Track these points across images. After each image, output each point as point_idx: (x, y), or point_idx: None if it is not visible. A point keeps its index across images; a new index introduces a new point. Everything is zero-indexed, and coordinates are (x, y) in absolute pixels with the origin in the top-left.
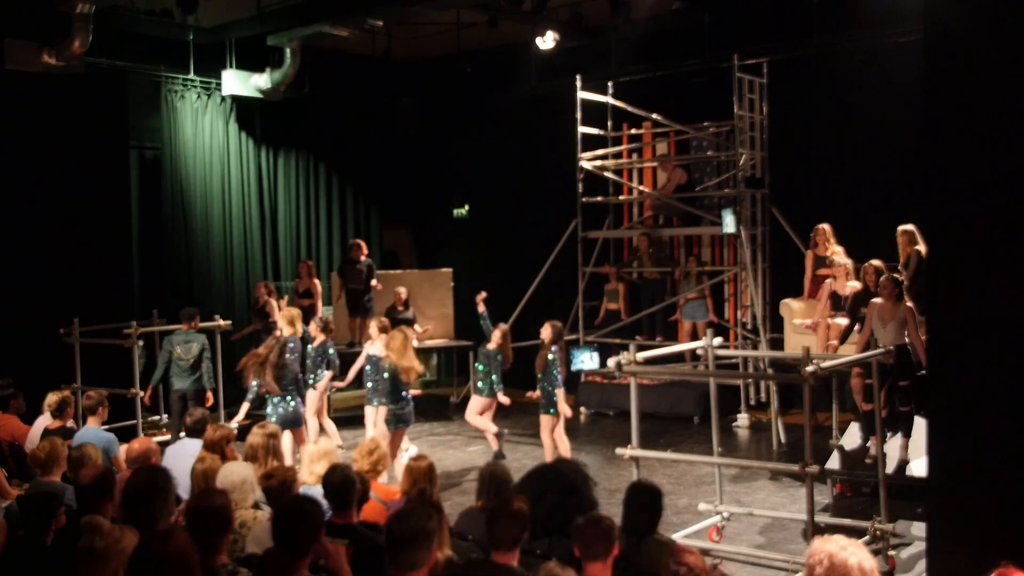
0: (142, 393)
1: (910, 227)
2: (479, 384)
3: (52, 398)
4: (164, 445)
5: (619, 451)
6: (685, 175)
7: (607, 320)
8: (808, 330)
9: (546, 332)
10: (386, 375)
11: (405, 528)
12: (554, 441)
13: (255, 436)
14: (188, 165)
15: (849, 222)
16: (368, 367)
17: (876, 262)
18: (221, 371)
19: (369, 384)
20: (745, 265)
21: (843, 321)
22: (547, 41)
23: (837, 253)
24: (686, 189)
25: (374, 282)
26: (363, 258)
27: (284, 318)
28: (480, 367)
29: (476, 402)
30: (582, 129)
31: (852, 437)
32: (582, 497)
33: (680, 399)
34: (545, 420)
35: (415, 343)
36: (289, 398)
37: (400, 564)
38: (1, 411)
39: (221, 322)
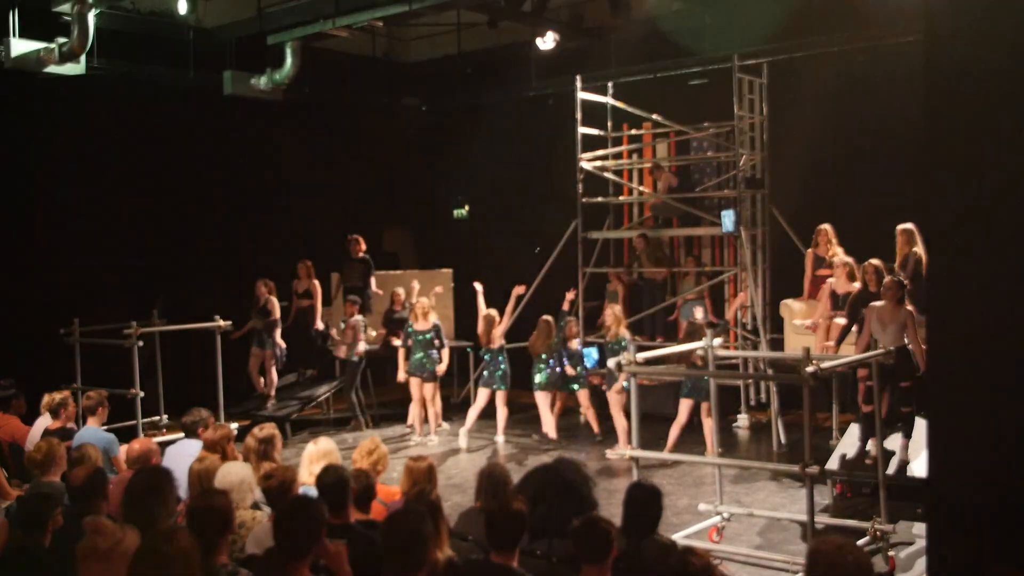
0: (141, 393)
1: (910, 226)
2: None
3: (52, 398)
4: (164, 445)
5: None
6: (675, 179)
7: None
8: (808, 330)
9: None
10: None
11: (399, 532)
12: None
13: (249, 439)
14: (188, 165)
15: (849, 222)
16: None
17: (876, 261)
18: (221, 371)
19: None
20: (745, 265)
21: (843, 322)
22: (547, 41)
23: (837, 254)
24: (679, 191)
25: (373, 282)
26: (360, 254)
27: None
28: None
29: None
30: (582, 129)
31: (852, 437)
32: (582, 497)
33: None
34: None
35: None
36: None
37: (397, 567)
38: (2, 411)
39: (221, 322)
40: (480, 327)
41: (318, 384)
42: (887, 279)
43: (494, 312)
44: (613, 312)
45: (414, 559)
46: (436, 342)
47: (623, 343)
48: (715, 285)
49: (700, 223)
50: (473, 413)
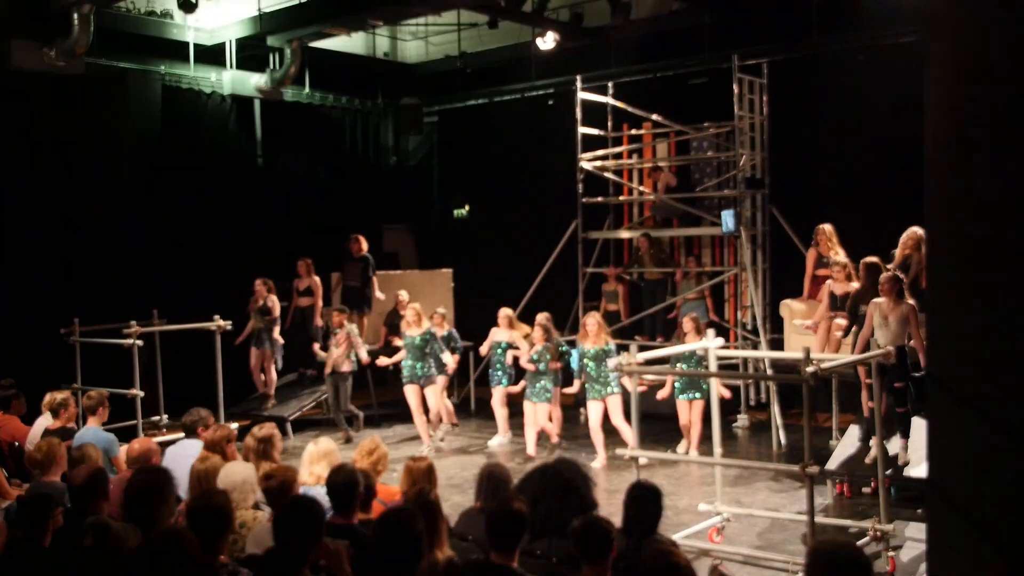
0: (141, 393)
1: (922, 232)
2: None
3: (52, 398)
4: (164, 445)
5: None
6: (674, 178)
7: (606, 321)
8: (808, 330)
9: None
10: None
11: (388, 533)
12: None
13: (249, 439)
14: (188, 165)
15: (849, 222)
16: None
17: (872, 259)
18: (221, 371)
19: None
20: (745, 265)
21: (843, 321)
22: (547, 41)
23: (838, 253)
24: (679, 191)
25: (375, 282)
26: (362, 254)
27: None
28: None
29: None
30: (582, 129)
31: (852, 438)
32: (582, 497)
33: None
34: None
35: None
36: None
37: (388, 567)
38: (2, 412)
39: (221, 322)
40: (503, 322)
41: (318, 384)
42: (882, 276)
43: (509, 310)
44: (596, 319)
45: (404, 561)
46: (428, 349)
47: (608, 349)
48: (715, 285)
49: (700, 223)
50: (502, 415)
